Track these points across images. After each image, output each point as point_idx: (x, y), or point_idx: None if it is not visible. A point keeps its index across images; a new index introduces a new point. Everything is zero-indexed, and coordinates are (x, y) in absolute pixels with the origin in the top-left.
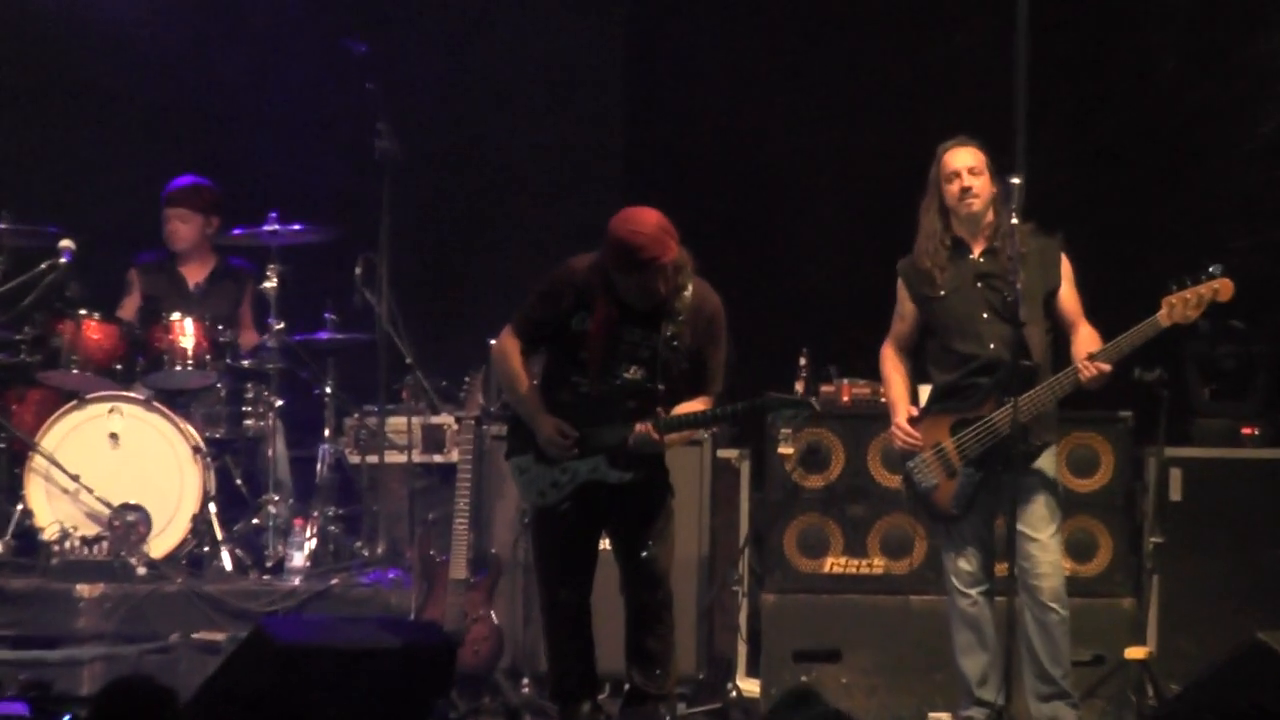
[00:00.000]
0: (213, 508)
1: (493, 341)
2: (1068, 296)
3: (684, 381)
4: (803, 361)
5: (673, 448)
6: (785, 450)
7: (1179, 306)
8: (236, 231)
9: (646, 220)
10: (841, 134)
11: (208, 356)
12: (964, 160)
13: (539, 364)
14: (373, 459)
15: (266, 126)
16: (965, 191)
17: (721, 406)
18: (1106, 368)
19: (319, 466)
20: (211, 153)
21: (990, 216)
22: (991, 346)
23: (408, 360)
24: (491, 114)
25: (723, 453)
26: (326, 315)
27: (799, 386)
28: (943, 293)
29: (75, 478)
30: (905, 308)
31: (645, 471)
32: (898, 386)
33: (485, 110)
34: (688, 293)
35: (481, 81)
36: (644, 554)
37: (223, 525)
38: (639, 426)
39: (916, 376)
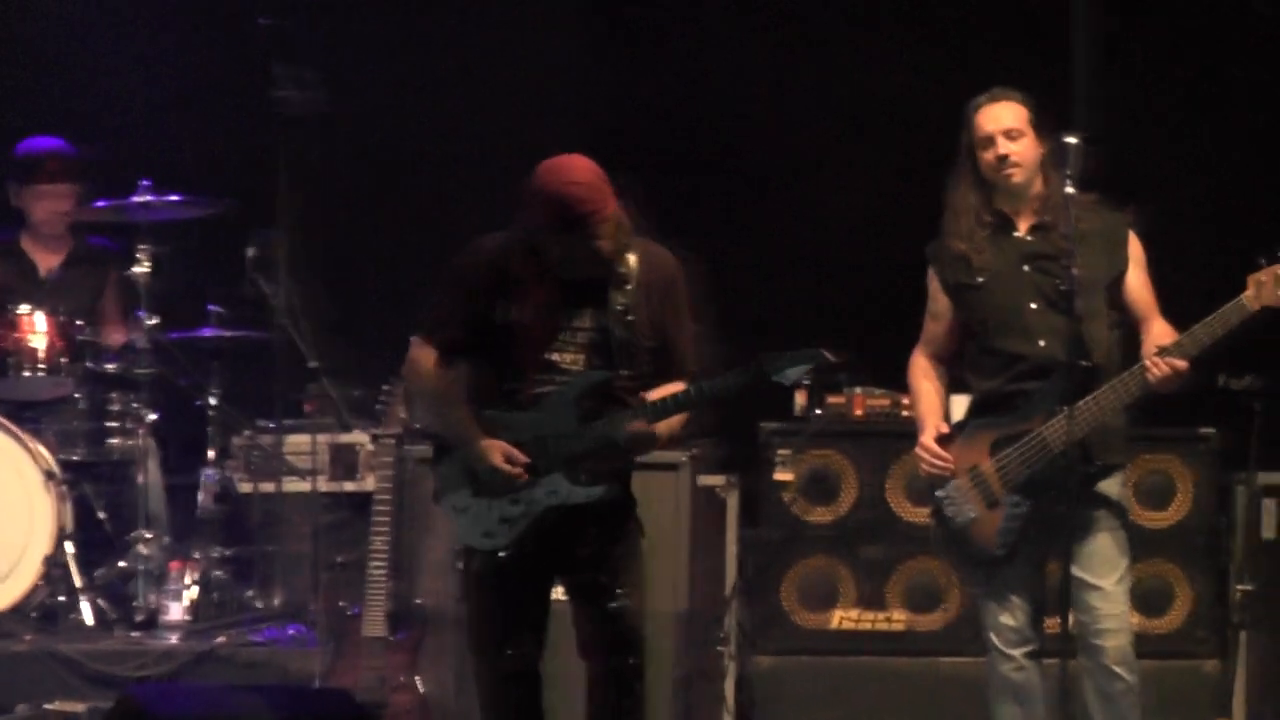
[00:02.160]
0: (69, 548)
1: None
2: (1137, 284)
3: (649, 364)
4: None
5: (643, 463)
6: (784, 475)
7: (1269, 285)
8: (99, 204)
9: (580, 167)
10: (857, 86)
11: (63, 359)
12: (1000, 119)
13: (463, 375)
14: (268, 487)
15: (133, 68)
16: (1002, 161)
17: (708, 381)
18: (1181, 365)
19: (201, 497)
20: (59, 104)
21: (1039, 185)
22: (1042, 344)
23: (312, 364)
24: (422, 55)
25: (705, 479)
26: (210, 308)
27: (800, 398)
28: (981, 279)
29: None
30: (938, 302)
31: (613, 490)
32: (928, 398)
33: (414, 49)
34: (633, 255)
35: (408, 11)
36: (613, 605)
37: (82, 570)
38: (631, 424)
39: (954, 386)
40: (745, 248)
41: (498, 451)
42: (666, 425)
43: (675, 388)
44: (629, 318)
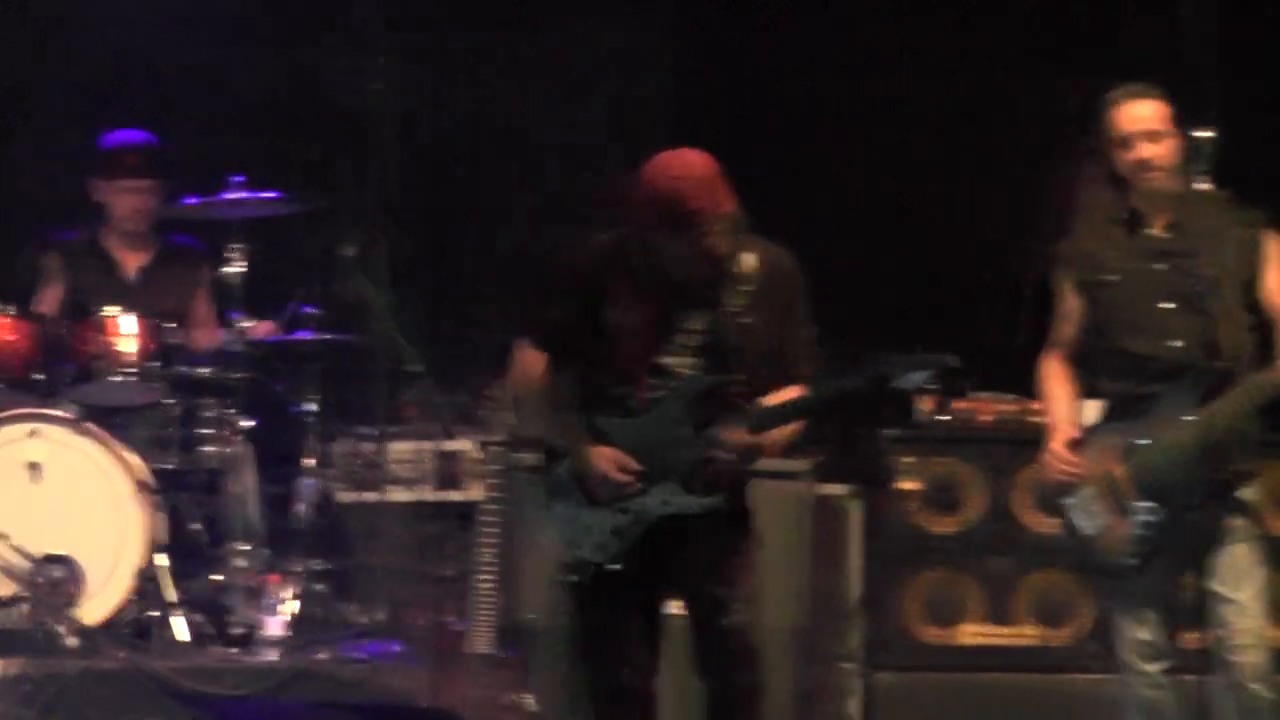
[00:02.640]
0: (162, 560)
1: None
2: (1274, 284)
3: (764, 368)
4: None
5: (761, 470)
6: (907, 485)
7: None
8: (188, 201)
9: (692, 162)
10: (980, 70)
11: (153, 363)
12: (1142, 120)
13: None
14: (369, 497)
15: (222, 64)
16: (1144, 164)
17: (824, 385)
18: None
19: (299, 507)
20: (148, 99)
21: (1175, 183)
22: (1175, 345)
23: (414, 368)
24: (518, 45)
25: (825, 488)
26: (307, 309)
27: (924, 403)
28: (1113, 277)
29: None
30: (1068, 302)
31: (729, 499)
32: (1059, 403)
33: (510, 46)
34: (749, 254)
35: (504, 11)
36: (729, 620)
37: (176, 583)
38: (725, 434)
39: (1086, 391)
40: (864, 247)
41: (608, 459)
42: (777, 433)
43: (789, 394)
44: (744, 320)
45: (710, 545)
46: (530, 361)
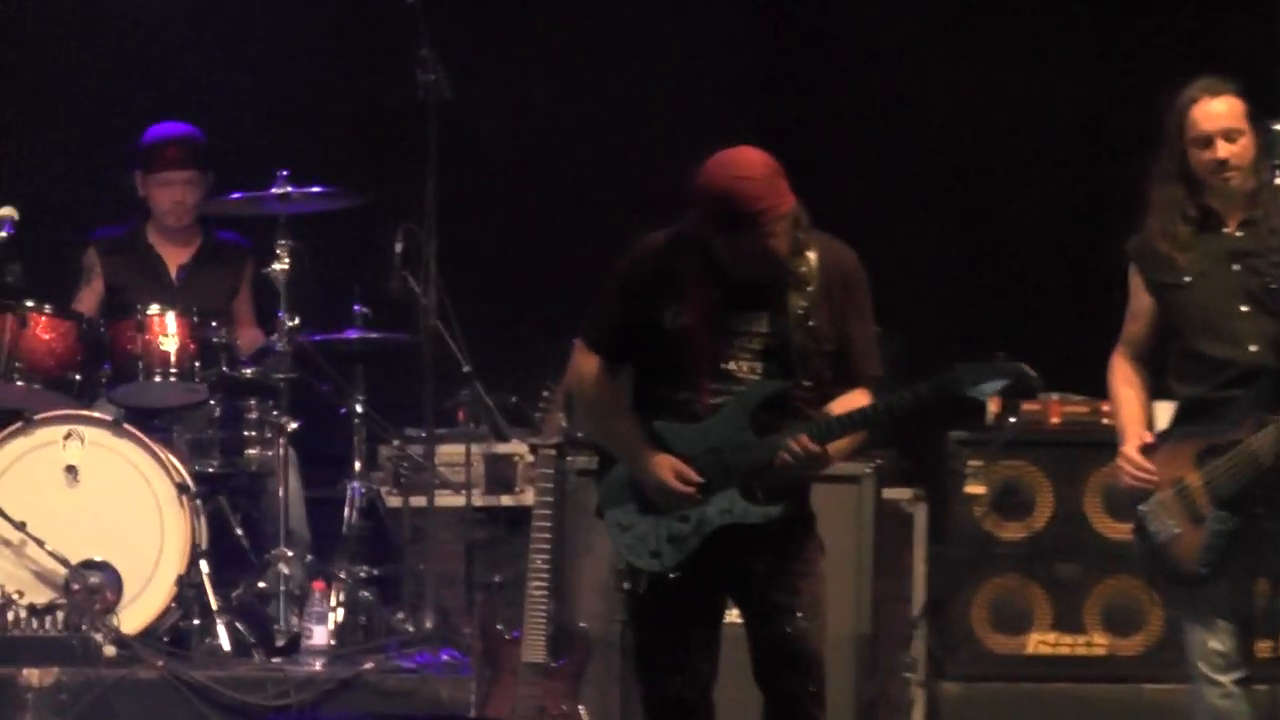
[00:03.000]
0: (204, 567)
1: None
2: None
3: (829, 371)
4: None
5: (817, 481)
6: (974, 489)
7: None
8: (232, 196)
9: (751, 161)
10: (1045, 68)
11: (196, 363)
12: (1219, 118)
13: (629, 384)
14: (418, 501)
15: (267, 54)
16: (1222, 165)
17: (895, 394)
18: None
19: (346, 512)
20: (190, 92)
21: (1251, 181)
22: (1252, 348)
23: (465, 368)
24: (576, 39)
25: (889, 492)
26: (355, 308)
27: (992, 407)
28: (1187, 278)
29: (19, 526)
30: (1139, 301)
31: (791, 506)
32: (1130, 405)
33: (567, 34)
34: (811, 252)
35: None
36: (789, 629)
37: (217, 590)
38: (791, 441)
39: (1157, 392)
40: (926, 244)
41: (668, 468)
42: (845, 442)
43: (855, 397)
44: (810, 322)
45: (771, 551)
46: (585, 363)
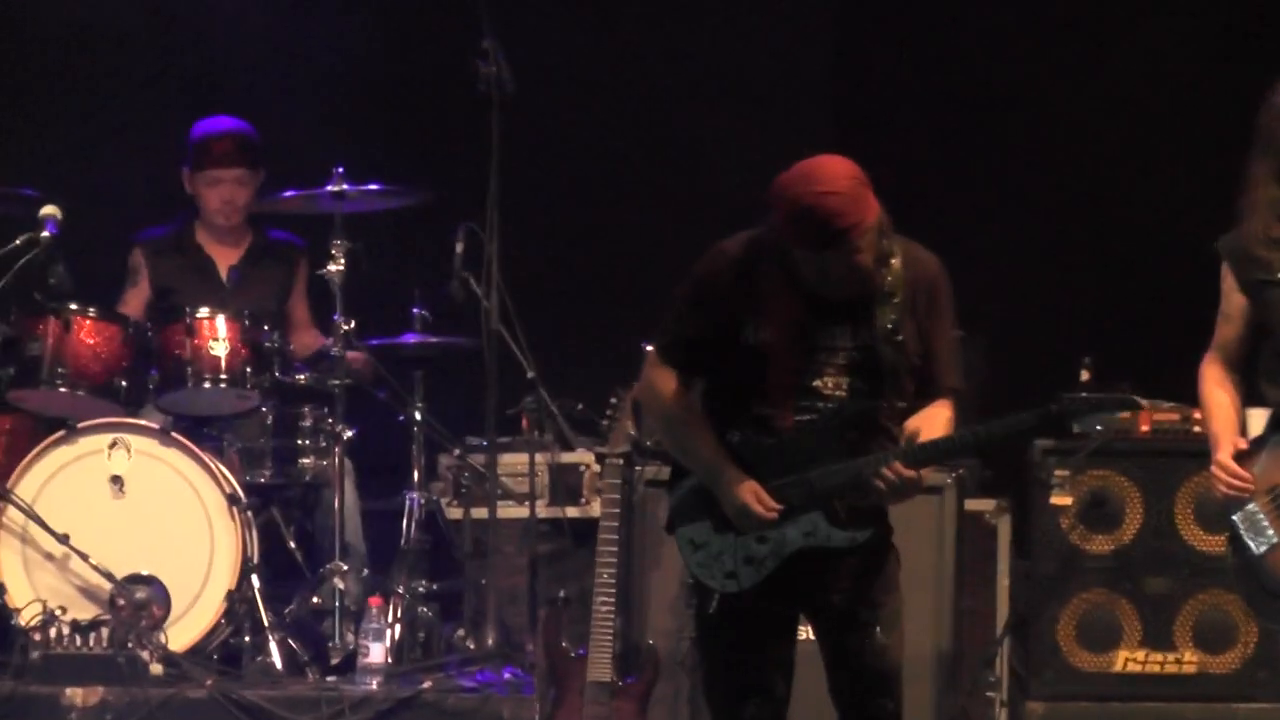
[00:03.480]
0: (255, 581)
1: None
2: None
3: (915, 385)
4: (1084, 376)
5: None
6: (1061, 500)
7: None
8: (288, 194)
9: (835, 173)
10: (1137, 62)
11: (247, 369)
12: None
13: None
14: (480, 513)
15: (322, 46)
16: None
17: (996, 421)
18: None
19: (404, 524)
20: (241, 85)
21: None
22: None
23: (529, 374)
24: (647, 29)
25: (972, 504)
26: (415, 311)
27: None
28: None
29: (63, 539)
30: (1232, 302)
31: (878, 530)
32: (1223, 412)
33: (638, 24)
34: (896, 260)
35: None
36: (868, 644)
37: (269, 606)
38: (885, 469)
39: (1249, 399)
40: (1009, 243)
41: (750, 491)
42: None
43: (937, 411)
44: (898, 336)
45: (850, 568)
46: (657, 376)
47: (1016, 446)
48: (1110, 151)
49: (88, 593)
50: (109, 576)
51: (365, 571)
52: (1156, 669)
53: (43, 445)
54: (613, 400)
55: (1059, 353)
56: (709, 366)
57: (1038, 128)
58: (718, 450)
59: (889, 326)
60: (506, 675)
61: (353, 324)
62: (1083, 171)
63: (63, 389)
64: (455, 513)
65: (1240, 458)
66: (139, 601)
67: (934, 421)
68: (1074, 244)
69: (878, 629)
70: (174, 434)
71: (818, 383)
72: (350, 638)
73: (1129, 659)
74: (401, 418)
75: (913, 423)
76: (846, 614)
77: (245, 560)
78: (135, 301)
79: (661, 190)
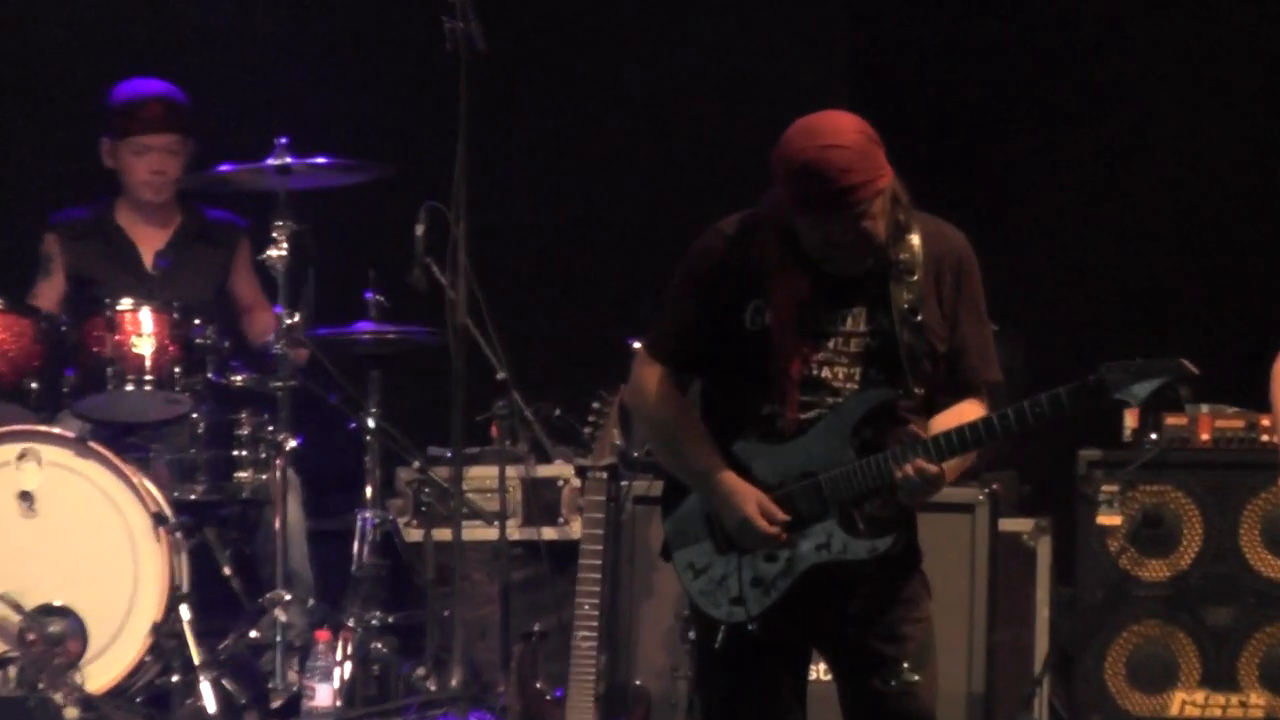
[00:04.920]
0: (185, 612)
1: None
2: None
3: (937, 377)
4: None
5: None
6: (1109, 519)
7: None
8: (223, 168)
9: (842, 126)
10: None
11: (177, 369)
12: None
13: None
14: (443, 535)
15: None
16: None
17: (1028, 401)
18: None
19: (356, 547)
20: (168, 46)
21: None
22: None
23: (500, 374)
24: None
25: (1007, 523)
26: (369, 296)
27: (1129, 419)
28: None
29: None
30: None
31: (901, 538)
32: None
33: None
34: (914, 235)
35: None
36: (894, 683)
37: (201, 641)
38: (908, 466)
39: None
40: (1051, 230)
41: (752, 500)
42: (958, 461)
43: (967, 409)
44: (917, 318)
45: (870, 591)
46: (648, 375)
47: (1058, 457)
48: (1172, 123)
49: None
50: (17, 608)
51: (311, 601)
52: (1218, 713)
53: None
54: (596, 405)
55: (1108, 351)
56: (706, 361)
57: (1087, 95)
58: (715, 457)
59: (906, 306)
60: (474, 719)
61: (297, 317)
62: (1137, 147)
63: None
64: (415, 534)
65: None
66: (52, 636)
67: (963, 419)
68: (1127, 230)
69: (905, 665)
70: (92, 444)
71: (826, 372)
72: (294, 677)
73: (1186, 701)
74: (353, 424)
75: (937, 420)
76: (868, 648)
77: (174, 589)
78: (49, 293)
79: (653, 167)
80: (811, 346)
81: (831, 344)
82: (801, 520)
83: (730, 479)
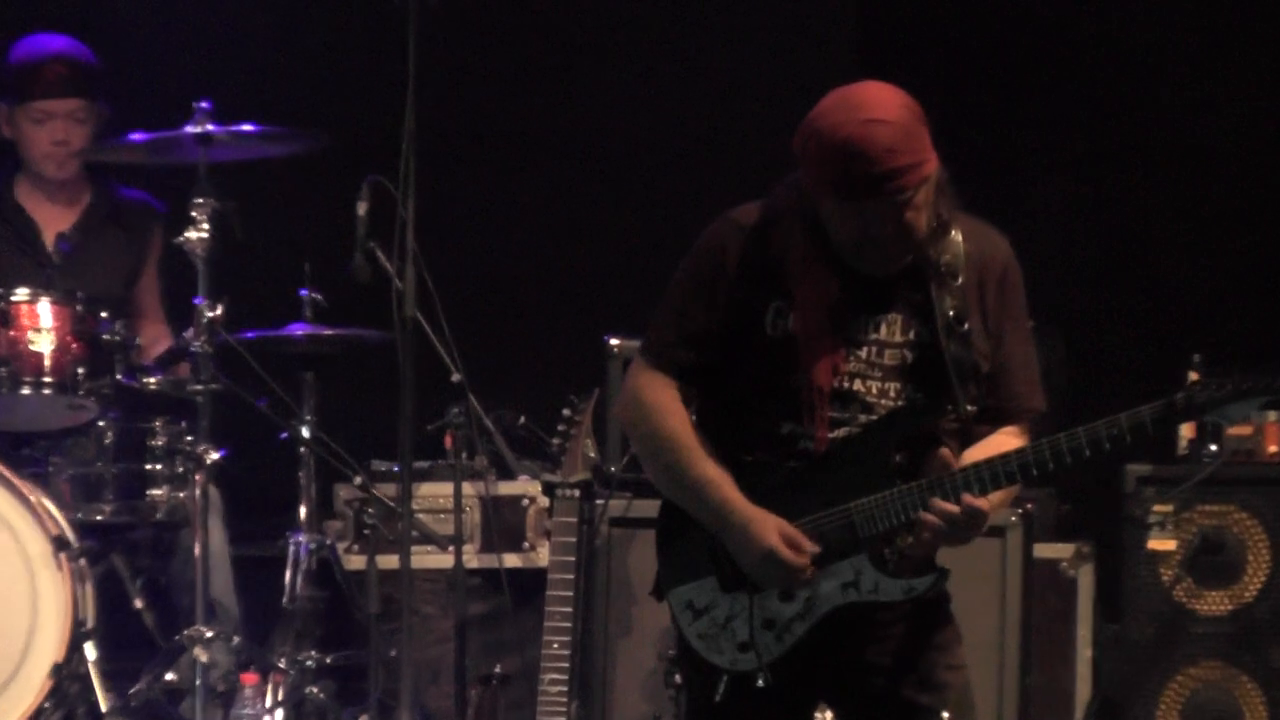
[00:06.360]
0: (91, 652)
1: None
2: None
3: (981, 395)
4: (1192, 378)
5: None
6: (1161, 544)
7: None
8: (135, 137)
9: (886, 100)
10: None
11: (81, 370)
12: None
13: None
14: (389, 562)
15: None
16: None
17: (1105, 421)
18: None
19: (289, 576)
20: (78, 2)
21: None
22: None
23: (455, 377)
24: None
25: (1043, 548)
26: (303, 293)
27: (1185, 428)
28: None
29: None
30: None
31: (940, 577)
32: None
33: None
34: (956, 235)
35: None
36: None
37: (110, 685)
38: (942, 501)
39: None
40: (1091, 220)
41: (774, 531)
42: (1002, 494)
43: (1006, 439)
44: (964, 328)
45: (902, 637)
46: (649, 389)
47: (1102, 474)
48: (1224, 96)
49: None
50: None
51: (236, 639)
52: None
53: None
54: (566, 412)
55: (1159, 351)
56: (717, 374)
57: (1125, 75)
58: (729, 481)
59: (951, 314)
60: None
61: (219, 310)
62: (1185, 126)
63: None
64: (357, 561)
65: None
66: None
67: (1004, 449)
68: (1175, 215)
69: (945, 717)
70: None
71: (859, 385)
72: None
73: None
74: (285, 435)
75: (973, 450)
76: (900, 699)
77: (77, 624)
78: None
79: (635, 139)
80: (840, 357)
81: (864, 353)
82: (826, 555)
83: (748, 507)
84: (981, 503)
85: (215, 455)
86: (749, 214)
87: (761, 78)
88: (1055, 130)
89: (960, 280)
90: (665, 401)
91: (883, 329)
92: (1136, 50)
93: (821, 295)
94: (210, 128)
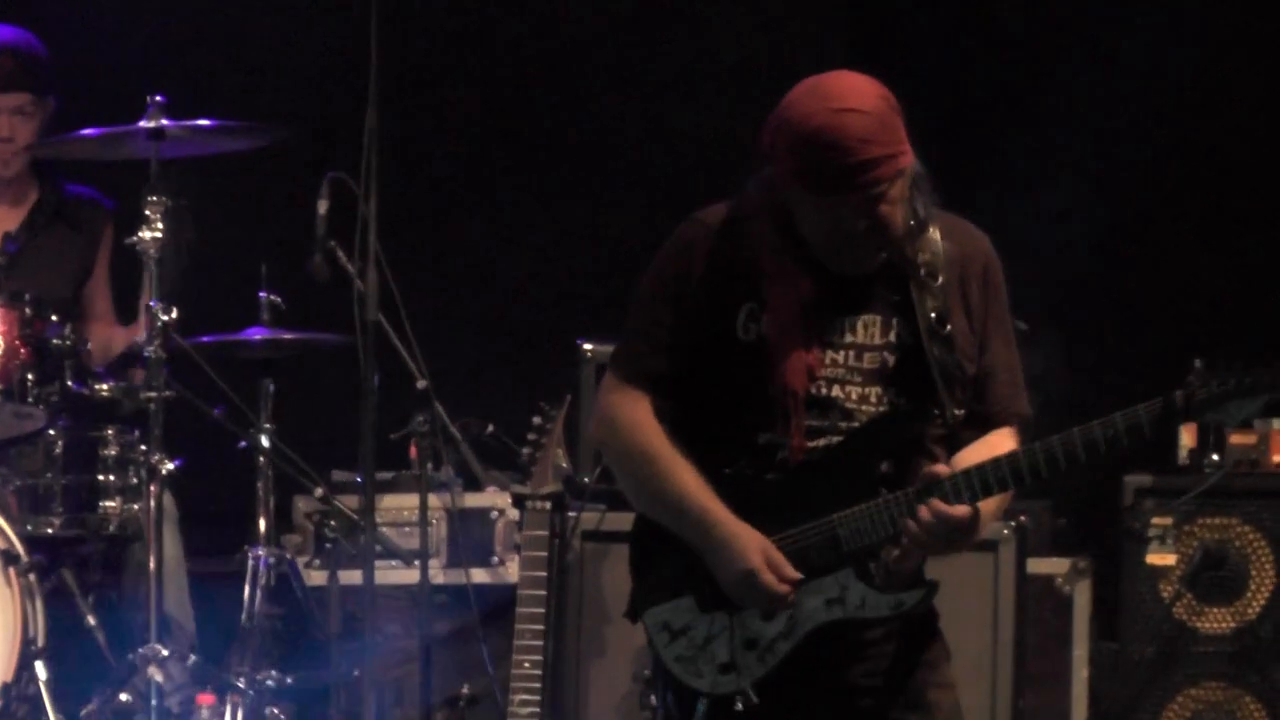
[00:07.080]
0: (41, 670)
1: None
2: None
3: (966, 401)
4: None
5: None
6: (1161, 559)
7: None
8: (86, 133)
9: (860, 89)
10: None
11: (29, 376)
12: None
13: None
14: (351, 577)
15: None
16: None
17: (1100, 423)
18: None
19: (247, 592)
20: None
21: None
22: None
23: (420, 384)
24: None
25: (1037, 563)
26: (261, 295)
27: (1185, 437)
28: None
29: None
30: None
31: (929, 592)
32: None
33: None
34: (935, 233)
35: None
36: None
37: (60, 705)
38: (924, 510)
39: None
40: (1077, 214)
41: (758, 551)
42: (995, 503)
43: (997, 443)
44: (945, 328)
45: (889, 655)
46: (622, 404)
47: (1099, 485)
48: (1225, 95)
49: None
50: None
51: (193, 658)
52: None
53: None
54: (537, 420)
55: (1159, 354)
56: (692, 383)
57: (1125, 75)
58: (709, 497)
59: (933, 315)
60: None
61: (175, 313)
62: (1185, 126)
63: None
64: (317, 577)
65: None
66: None
67: (997, 447)
68: (1175, 216)
69: None
70: None
71: (838, 392)
72: None
73: None
74: (243, 444)
75: (961, 457)
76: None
77: (26, 642)
78: None
79: (606, 134)
80: (817, 358)
81: (841, 357)
82: (811, 572)
83: (731, 521)
84: (962, 510)
85: (170, 465)
86: (716, 214)
87: (742, 78)
88: (1055, 130)
89: (941, 280)
90: (639, 417)
91: (860, 330)
92: (1136, 49)
93: (794, 295)
94: (164, 122)
